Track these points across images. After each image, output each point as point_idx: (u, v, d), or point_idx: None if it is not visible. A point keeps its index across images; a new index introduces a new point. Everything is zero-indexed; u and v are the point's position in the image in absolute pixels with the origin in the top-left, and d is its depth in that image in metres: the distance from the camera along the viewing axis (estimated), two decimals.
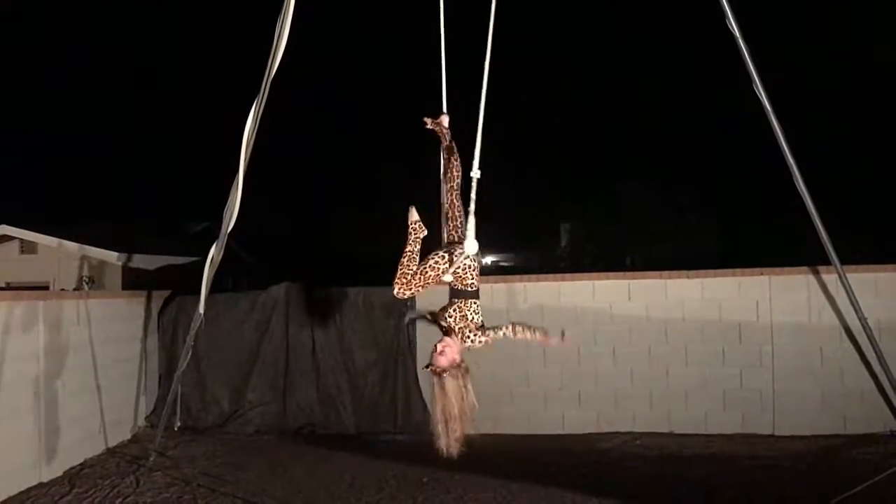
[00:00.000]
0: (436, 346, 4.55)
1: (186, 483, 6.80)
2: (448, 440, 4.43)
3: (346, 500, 6.30)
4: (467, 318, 4.64)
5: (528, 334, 4.78)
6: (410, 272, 4.63)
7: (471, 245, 4.45)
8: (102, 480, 6.87)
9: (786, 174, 6.55)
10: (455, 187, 5.08)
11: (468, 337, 4.60)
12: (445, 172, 5.22)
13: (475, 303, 4.70)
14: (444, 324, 4.70)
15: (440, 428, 4.46)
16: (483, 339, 4.62)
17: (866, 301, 7.39)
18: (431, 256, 4.70)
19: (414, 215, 4.82)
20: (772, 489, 6.29)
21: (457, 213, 5.03)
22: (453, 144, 5.36)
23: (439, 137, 5.51)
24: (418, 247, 4.74)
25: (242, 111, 6.27)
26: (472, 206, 4.50)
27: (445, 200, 5.14)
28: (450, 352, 4.50)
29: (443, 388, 4.45)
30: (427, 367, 4.56)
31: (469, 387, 4.49)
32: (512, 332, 4.76)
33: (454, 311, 4.68)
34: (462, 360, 4.53)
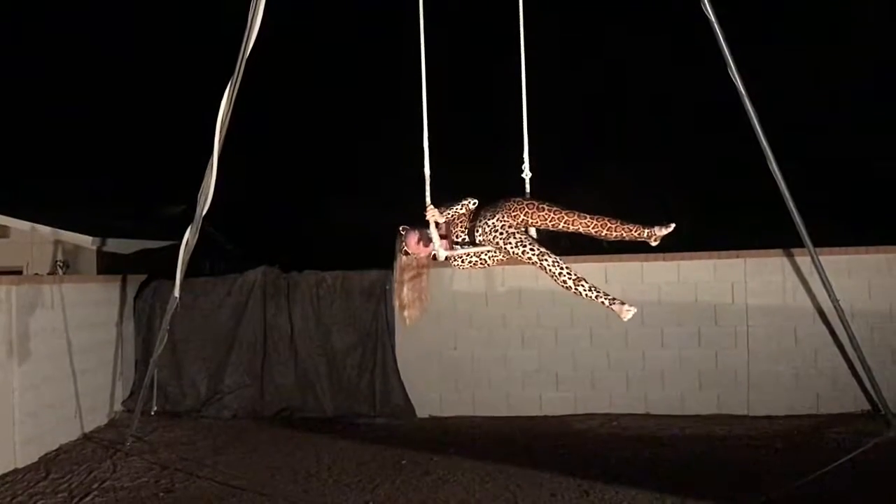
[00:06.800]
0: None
1: (164, 468, 6.78)
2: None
3: (325, 483, 6.31)
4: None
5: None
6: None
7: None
8: (79, 466, 6.83)
9: (761, 156, 6.58)
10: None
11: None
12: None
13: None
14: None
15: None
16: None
17: (839, 283, 7.47)
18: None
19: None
20: (747, 468, 6.37)
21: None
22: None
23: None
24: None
25: (218, 92, 6.22)
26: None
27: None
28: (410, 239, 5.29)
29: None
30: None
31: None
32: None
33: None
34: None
